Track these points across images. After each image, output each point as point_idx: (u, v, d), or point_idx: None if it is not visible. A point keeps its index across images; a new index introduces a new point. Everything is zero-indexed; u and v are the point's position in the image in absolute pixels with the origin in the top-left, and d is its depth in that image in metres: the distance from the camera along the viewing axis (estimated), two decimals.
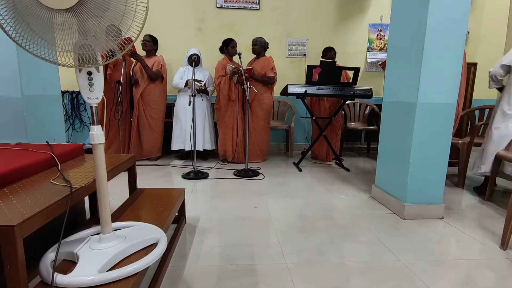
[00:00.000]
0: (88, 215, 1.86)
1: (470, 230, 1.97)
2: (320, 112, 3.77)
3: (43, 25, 0.92)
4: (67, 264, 1.07)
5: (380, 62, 3.44)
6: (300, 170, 3.41)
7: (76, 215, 1.72)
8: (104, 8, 0.94)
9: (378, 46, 4.61)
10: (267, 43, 3.65)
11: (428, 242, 1.81)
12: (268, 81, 3.54)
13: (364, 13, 4.50)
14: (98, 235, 1.16)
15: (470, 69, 3.38)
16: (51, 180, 1.23)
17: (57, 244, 1.05)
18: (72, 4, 0.89)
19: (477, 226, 2.03)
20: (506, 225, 1.74)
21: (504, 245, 1.73)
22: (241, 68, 3.16)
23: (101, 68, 1.06)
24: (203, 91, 3.56)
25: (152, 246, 1.20)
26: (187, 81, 3.56)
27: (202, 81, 3.37)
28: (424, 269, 1.52)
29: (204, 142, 3.66)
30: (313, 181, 3.02)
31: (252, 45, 3.62)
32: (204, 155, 3.80)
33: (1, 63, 1.94)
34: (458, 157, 2.92)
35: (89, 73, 1.04)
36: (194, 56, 3.27)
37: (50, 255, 1.08)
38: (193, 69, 3.06)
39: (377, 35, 4.58)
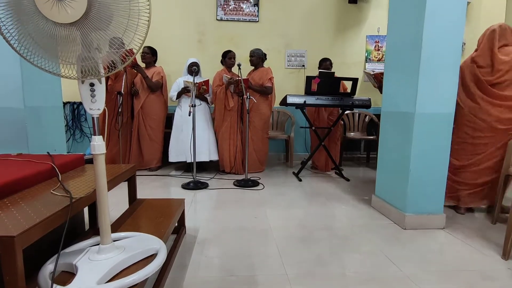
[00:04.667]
0: (87, 226, 1.86)
1: (471, 240, 1.96)
2: (319, 122, 3.79)
3: (48, 38, 0.94)
4: (66, 276, 1.06)
5: (373, 74, 3.48)
6: (300, 180, 3.41)
7: (76, 225, 1.71)
8: (107, 21, 0.96)
9: (376, 57, 4.67)
10: (265, 54, 3.71)
11: (429, 252, 1.79)
12: (265, 91, 3.57)
13: (362, 25, 4.58)
14: (97, 246, 1.16)
15: None
16: (52, 191, 1.23)
17: (56, 255, 1.04)
18: (77, 18, 0.92)
19: (478, 236, 2.01)
20: (507, 235, 1.73)
21: (505, 255, 1.71)
22: (237, 78, 3.18)
23: (103, 79, 1.08)
24: (201, 97, 3.58)
25: (152, 256, 1.19)
26: (178, 93, 3.59)
27: (196, 82, 3.32)
28: (426, 279, 1.51)
29: (210, 152, 3.63)
30: (313, 191, 3.01)
31: (249, 56, 3.68)
32: (202, 165, 3.79)
33: (4, 75, 1.97)
34: None
35: (92, 85, 1.06)
36: (194, 67, 3.30)
37: (49, 266, 1.07)
38: (193, 79, 3.09)
39: (375, 46, 4.65)
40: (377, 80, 3.48)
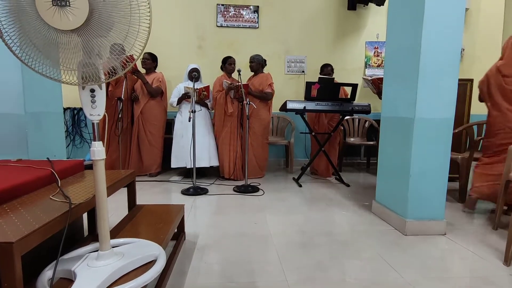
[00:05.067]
0: (86, 232, 1.85)
1: (473, 246, 1.94)
2: (319, 127, 3.80)
3: (49, 44, 0.95)
4: (64, 282, 1.06)
5: (371, 79, 3.50)
6: (300, 186, 3.40)
7: (75, 231, 1.70)
8: (108, 28, 0.97)
9: (376, 63, 4.69)
10: (265, 60, 3.73)
11: (431, 258, 1.78)
12: (265, 97, 3.59)
13: (361, 31, 4.61)
14: (96, 252, 1.15)
15: (467, 85, 3.42)
16: (51, 196, 1.23)
17: (54, 262, 1.04)
18: (78, 25, 0.92)
19: (480, 242, 2.00)
20: (508, 241, 1.72)
21: (507, 261, 1.70)
22: (237, 84, 3.20)
23: (103, 85, 1.08)
24: (202, 103, 3.60)
25: (151, 263, 1.19)
26: (179, 99, 3.62)
27: (197, 88, 3.32)
28: (427, 286, 1.49)
29: (210, 158, 3.63)
30: (313, 197, 3.00)
31: (249, 62, 3.70)
32: (202, 171, 3.79)
33: (6, 81, 1.98)
34: (458, 172, 2.91)
35: (92, 91, 1.06)
36: (194, 73, 3.32)
37: (47, 273, 1.06)
38: (193, 85, 3.10)
39: (374, 52, 4.68)
40: (375, 85, 3.50)
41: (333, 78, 3.82)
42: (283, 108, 3.48)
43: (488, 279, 1.56)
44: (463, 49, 4.63)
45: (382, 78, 3.32)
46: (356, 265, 1.70)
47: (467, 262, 1.75)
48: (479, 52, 4.71)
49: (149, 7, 1.00)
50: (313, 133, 3.54)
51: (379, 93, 3.60)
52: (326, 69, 3.89)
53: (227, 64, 3.66)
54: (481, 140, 2.58)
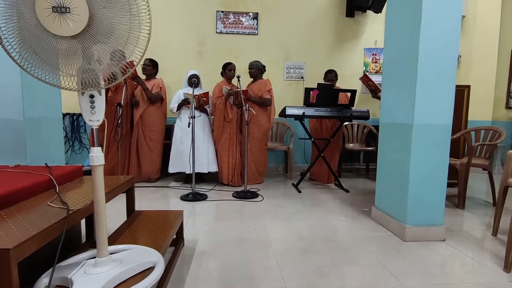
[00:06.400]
0: (84, 239, 1.83)
1: (472, 252, 1.94)
2: (322, 132, 3.81)
3: (49, 50, 0.95)
4: None
5: (360, 78, 3.54)
6: (299, 192, 3.39)
7: (72, 238, 1.69)
8: (108, 34, 0.97)
9: (374, 69, 4.72)
10: (264, 66, 3.75)
11: (430, 265, 1.77)
12: (264, 103, 3.60)
13: (359, 38, 4.65)
14: (94, 259, 1.14)
15: (464, 91, 3.45)
16: (49, 203, 1.22)
17: (51, 269, 1.03)
18: (78, 31, 0.93)
19: (479, 248, 2.00)
20: (508, 247, 1.71)
21: (507, 267, 1.69)
22: (237, 89, 3.21)
23: (103, 91, 1.08)
24: (201, 109, 3.60)
25: (149, 270, 1.17)
26: (179, 105, 3.63)
27: (196, 94, 3.33)
28: None
29: (209, 164, 3.63)
30: (313, 203, 2.99)
31: (248, 68, 3.72)
32: (201, 177, 3.78)
33: (5, 86, 1.98)
34: (457, 178, 2.91)
35: (91, 96, 1.07)
36: (194, 79, 3.33)
37: (43, 281, 1.05)
38: (193, 91, 3.11)
39: (372, 59, 4.71)
40: (364, 83, 3.54)
41: (332, 84, 3.84)
42: (282, 114, 3.49)
43: (488, 286, 1.55)
44: (460, 56, 4.68)
45: (367, 75, 3.39)
46: (356, 271, 1.68)
47: (467, 268, 1.74)
48: (475, 58, 4.75)
49: (149, 14, 1.01)
50: (313, 139, 3.54)
51: (371, 91, 3.66)
52: (330, 75, 3.87)
53: (227, 70, 3.67)
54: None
